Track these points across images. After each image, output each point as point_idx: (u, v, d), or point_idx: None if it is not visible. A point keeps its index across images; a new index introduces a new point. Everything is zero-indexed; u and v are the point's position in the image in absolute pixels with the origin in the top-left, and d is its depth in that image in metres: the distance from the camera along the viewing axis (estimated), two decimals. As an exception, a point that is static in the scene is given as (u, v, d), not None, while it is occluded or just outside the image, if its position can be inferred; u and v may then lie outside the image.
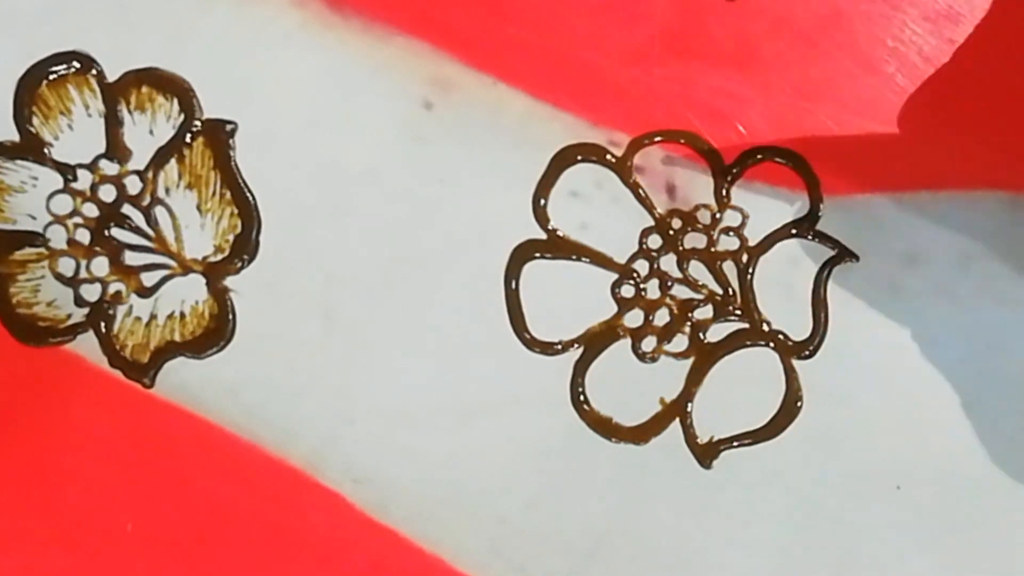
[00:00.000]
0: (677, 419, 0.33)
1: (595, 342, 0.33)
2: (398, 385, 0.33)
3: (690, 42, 0.33)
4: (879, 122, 0.33)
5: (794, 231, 0.33)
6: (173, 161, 0.34)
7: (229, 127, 0.34)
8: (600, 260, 0.33)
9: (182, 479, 0.33)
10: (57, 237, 0.34)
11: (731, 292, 0.33)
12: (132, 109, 0.34)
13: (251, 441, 0.33)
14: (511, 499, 0.33)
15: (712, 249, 0.33)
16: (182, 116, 0.34)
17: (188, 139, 0.34)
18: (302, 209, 0.34)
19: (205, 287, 0.34)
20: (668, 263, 0.33)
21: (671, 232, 0.33)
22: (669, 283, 0.33)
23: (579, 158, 0.33)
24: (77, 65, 0.34)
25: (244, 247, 0.34)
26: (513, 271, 0.33)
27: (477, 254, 0.33)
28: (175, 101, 0.34)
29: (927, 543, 0.32)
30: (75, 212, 0.34)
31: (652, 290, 0.33)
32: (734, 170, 0.33)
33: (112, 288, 0.34)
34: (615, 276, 0.33)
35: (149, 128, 0.34)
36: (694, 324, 0.33)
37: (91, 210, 0.34)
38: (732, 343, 0.33)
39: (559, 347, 0.33)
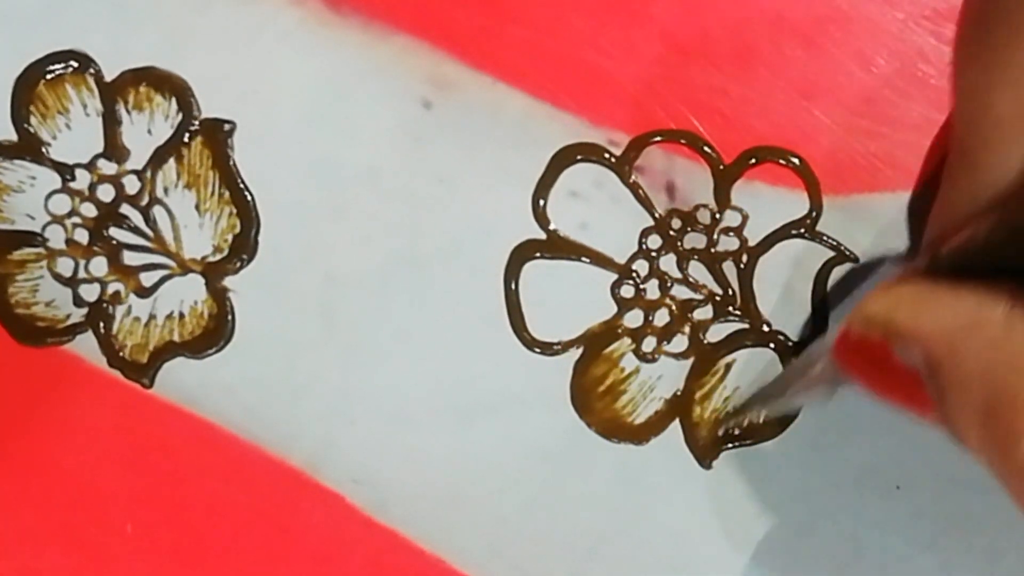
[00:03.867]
0: (677, 419, 0.33)
1: (595, 342, 0.33)
2: (398, 385, 0.33)
3: (690, 42, 0.33)
4: (879, 122, 0.33)
5: (794, 231, 0.33)
6: (171, 160, 0.34)
7: (227, 126, 0.34)
8: (600, 260, 0.33)
9: (181, 479, 0.33)
10: (55, 237, 0.34)
11: (731, 292, 0.33)
12: (130, 108, 0.34)
13: (250, 441, 0.33)
14: (511, 499, 0.33)
15: (712, 249, 0.33)
16: (180, 115, 0.34)
17: (186, 138, 0.34)
18: (301, 208, 0.34)
19: (204, 287, 0.34)
20: (668, 263, 0.33)
21: (671, 232, 0.33)
22: (669, 283, 0.33)
23: (579, 158, 0.33)
24: (75, 64, 0.34)
25: (243, 247, 0.34)
26: (513, 271, 0.33)
27: (476, 254, 0.33)
28: (173, 100, 0.34)
29: (927, 543, 0.32)
30: (73, 212, 0.34)
31: (652, 290, 0.33)
32: (734, 170, 0.33)
33: (111, 288, 0.34)
34: (615, 276, 0.33)
35: (147, 127, 0.34)
36: (694, 324, 0.33)
37: (89, 210, 0.34)
38: (732, 343, 0.33)
39: (559, 347, 0.33)
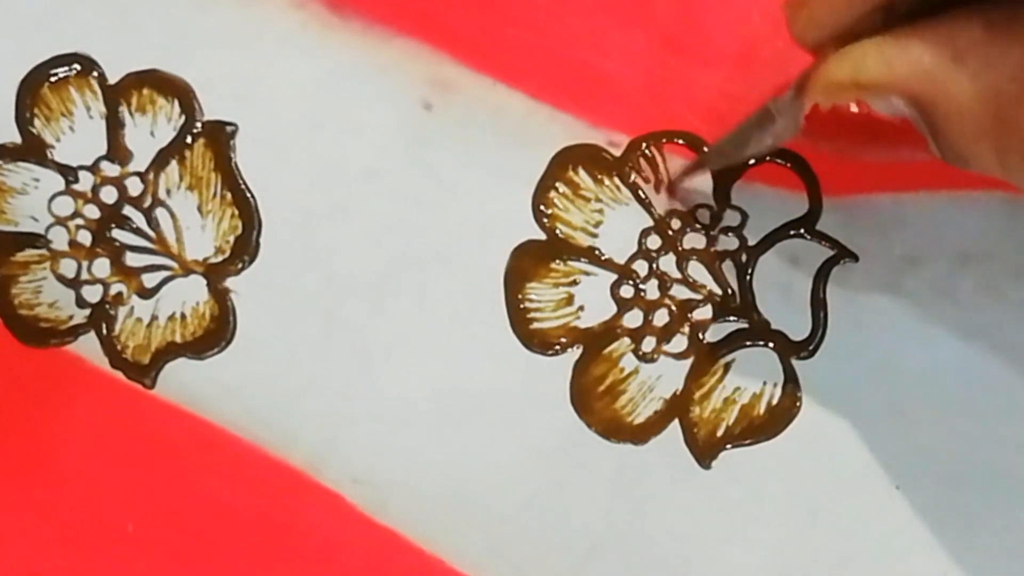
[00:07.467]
0: (677, 419, 0.33)
1: (594, 342, 0.33)
2: (398, 385, 0.33)
3: (690, 42, 0.33)
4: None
5: (793, 231, 0.33)
6: (174, 163, 0.34)
7: (230, 128, 0.34)
8: (599, 260, 0.33)
9: (182, 480, 0.33)
10: (59, 239, 0.34)
11: (730, 292, 0.33)
12: (133, 111, 0.34)
13: (251, 442, 0.33)
14: (511, 499, 0.33)
15: (711, 249, 0.33)
16: (183, 118, 0.34)
17: (189, 141, 0.34)
18: (302, 210, 0.34)
19: (206, 288, 0.34)
20: (667, 263, 0.33)
21: (670, 232, 0.33)
22: (668, 283, 0.33)
23: (578, 159, 0.33)
24: (78, 67, 0.34)
25: (245, 248, 0.34)
26: (513, 271, 0.33)
27: (477, 254, 0.33)
28: (176, 103, 0.34)
29: (927, 543, 0.32)
30: (76, 214, 0.34)
31: (651, 290, 0.33)
32: (734, 170, 0.33)
33: (113, 289, 0.34)
34: (615, 276, 0.33)
35: (150, 130, 0.34)
36: (693, 324, 0.33)
37: (92, 211, 0.34)
38: (731, 343, 0.33)
39: (558, 347, 0.33)
